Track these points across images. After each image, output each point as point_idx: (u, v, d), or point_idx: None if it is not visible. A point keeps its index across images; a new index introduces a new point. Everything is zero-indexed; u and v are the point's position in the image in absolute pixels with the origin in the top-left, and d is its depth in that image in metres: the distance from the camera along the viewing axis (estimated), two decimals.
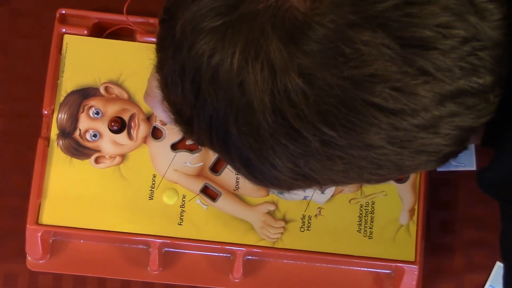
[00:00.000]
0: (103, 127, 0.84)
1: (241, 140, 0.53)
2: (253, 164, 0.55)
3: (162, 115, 0.68)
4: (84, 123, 0.84)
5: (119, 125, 0.83)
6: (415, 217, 0.83)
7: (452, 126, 0.53)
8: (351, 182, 0.57)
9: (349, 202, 0.84)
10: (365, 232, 0.83)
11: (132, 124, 0.84)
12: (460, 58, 0.51)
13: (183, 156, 0.84)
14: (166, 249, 0.84)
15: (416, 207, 0.83)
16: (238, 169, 0.57)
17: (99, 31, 0.86)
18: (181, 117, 0.58)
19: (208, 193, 0.84)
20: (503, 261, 0.64)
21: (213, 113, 0.53)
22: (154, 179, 0.84)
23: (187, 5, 0.53)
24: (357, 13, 0.49)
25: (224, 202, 0.84)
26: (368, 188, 0.84)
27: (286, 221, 0.83)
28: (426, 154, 0.54)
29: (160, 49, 0.58)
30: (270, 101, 0.51)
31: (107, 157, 0.84)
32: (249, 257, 0.84)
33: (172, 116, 0.60)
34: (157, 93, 0.62)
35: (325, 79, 0.50)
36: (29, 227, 0.83)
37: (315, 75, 0.50)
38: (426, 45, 0.50)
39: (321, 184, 0.57)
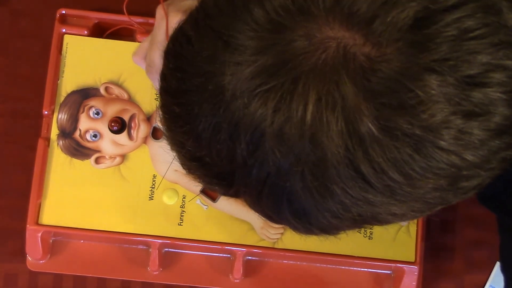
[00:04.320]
0: (103, 128, 0.84)
1: (304, 196, 0.50)
2: (311, 216, 0.52)
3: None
4: (84, 123, 0.84)
5: (119, 126, 0.83)
6: None
7: (500, 160, 0.51)
8: (401, 221, 0.56)
9: None
10: (365, 233, 0.83)
11: (132, 125, 0.84)
12: (509, 90, 0.49)
13: None
14: (166, 249, 0.84)
15: None
16: (282, 220, 0.54)
17: (99, 31, 0.86)
18: (211, 171, 0.55)
19: (208, 193, 0.84)
20: (503, 274, 0.64)
21: (272, 170, 0.50)
22: (154, 179, 0.84)
23: (233, 61, 0.50)
24: (425, 57, 0.48)
25: (224, 203, 0.84)
26: None
27: None
28: (475, 190, 0.53)
29: (183, 102, 0.54)
30: (344, 155, 0.49)
31: (107, 157, 0.84)
32: (249, 257, 0.84)
33: (191, 170, 0.56)
34: (158, 65, 0.58)
35: (402, 129, 0.48)
36: (29, 227, 0.83)
37: (393, 126, 0.48)
38: (485, 83, 0.49)
39: (375, 225, 0.55)
